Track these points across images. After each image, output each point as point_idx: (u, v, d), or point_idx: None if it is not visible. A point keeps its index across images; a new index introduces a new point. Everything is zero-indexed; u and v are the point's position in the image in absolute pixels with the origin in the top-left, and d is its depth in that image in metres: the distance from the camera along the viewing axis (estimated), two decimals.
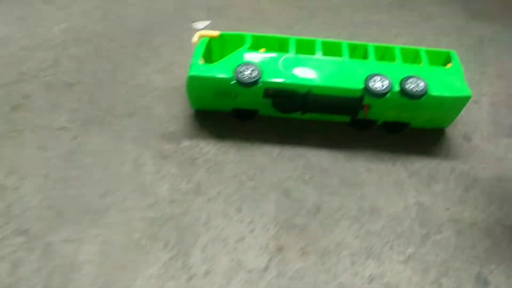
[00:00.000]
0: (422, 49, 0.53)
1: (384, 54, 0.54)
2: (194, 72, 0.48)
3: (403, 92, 0.47)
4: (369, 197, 0.49)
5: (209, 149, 0.52)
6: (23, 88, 0.55)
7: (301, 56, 0.50)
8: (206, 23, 0.64)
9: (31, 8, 0.65)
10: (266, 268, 0.43)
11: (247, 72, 0.48)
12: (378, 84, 0.47)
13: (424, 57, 0.52)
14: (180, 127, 0.53)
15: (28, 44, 0.60)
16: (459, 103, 0.49)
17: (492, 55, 0.65)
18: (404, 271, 0.43)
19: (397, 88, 0.48)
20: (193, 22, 0.64)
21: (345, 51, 0.52)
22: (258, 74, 0.48)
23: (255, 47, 0.53)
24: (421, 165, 0.52)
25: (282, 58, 0.50)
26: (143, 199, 0.48)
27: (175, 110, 0.55)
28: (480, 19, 0.69)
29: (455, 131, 0.55)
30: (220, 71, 0.48)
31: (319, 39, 0.53)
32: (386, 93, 0.47)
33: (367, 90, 0.47)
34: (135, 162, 0.50)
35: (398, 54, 0.52)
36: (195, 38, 0.51)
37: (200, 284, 0.41)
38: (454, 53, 0.52)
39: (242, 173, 0.50)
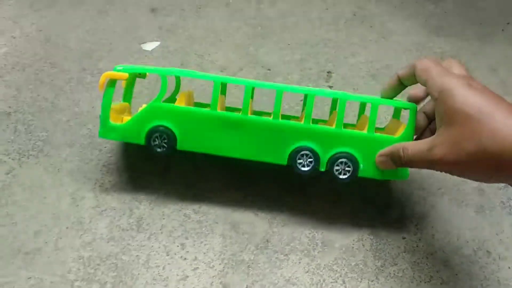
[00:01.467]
0: (376, 101, 0.42)
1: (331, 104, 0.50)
2: (103, 135, 0.44)
3: (330, 174, 0.43)
4: (321, 228, 0.46)
5: (153, 181, 0.49)
6: None
7: (223, 114, 0.43)
8: (156, 44, 0.61)
9: None
10: None
11: (159, 140, 0.43)
12: (305, 162, 0.42)
13: (373, 116, 0.42)
14: (123, 157, 0.50)
15: None
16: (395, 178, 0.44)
17: None
18: None
19: (323, 167, 0.43)
20: (142, 43, 0.61)
21: (278, 104, 0.42)
22: (171, 140, 0.43)
23: (176, 90, 0.50)
24: (377, 192, 0.49)
25: (200, 115, 0.43)
26: (80, 236, 0.44)
27: None
28: (440, 35, 0.68)
29: None
30: (132, 135, 0.43)
31: (249, 81, 0.43)
32: (312, 172, 0.43)
33: (292, 167, 0.43)
34: (73, 196, 0.47)
35: (341, 113, 0.42)
36: (100, 82, 0.42)
37: None
38: (413, 109, 0.42)
39: (188, 205, 0.47)
